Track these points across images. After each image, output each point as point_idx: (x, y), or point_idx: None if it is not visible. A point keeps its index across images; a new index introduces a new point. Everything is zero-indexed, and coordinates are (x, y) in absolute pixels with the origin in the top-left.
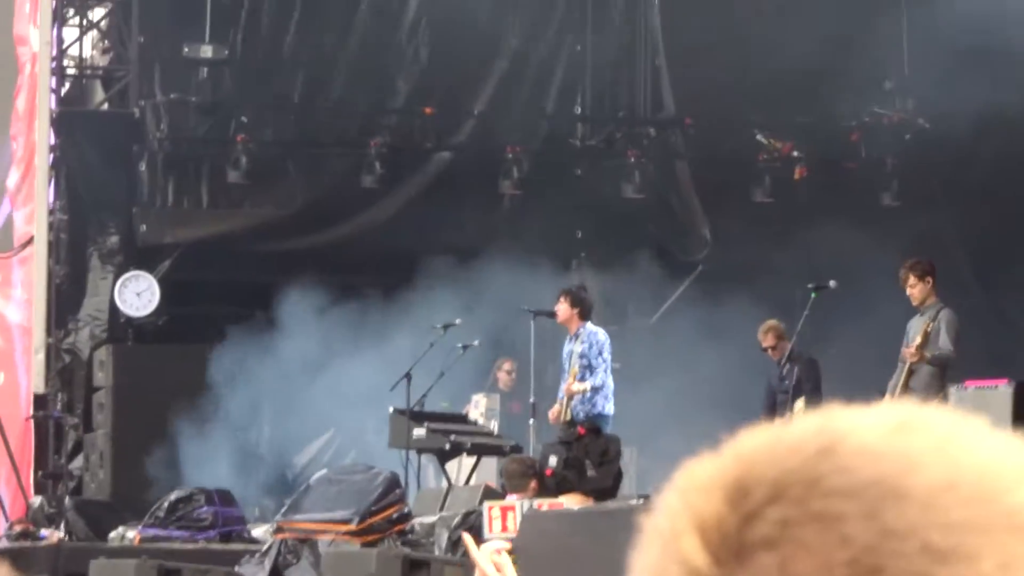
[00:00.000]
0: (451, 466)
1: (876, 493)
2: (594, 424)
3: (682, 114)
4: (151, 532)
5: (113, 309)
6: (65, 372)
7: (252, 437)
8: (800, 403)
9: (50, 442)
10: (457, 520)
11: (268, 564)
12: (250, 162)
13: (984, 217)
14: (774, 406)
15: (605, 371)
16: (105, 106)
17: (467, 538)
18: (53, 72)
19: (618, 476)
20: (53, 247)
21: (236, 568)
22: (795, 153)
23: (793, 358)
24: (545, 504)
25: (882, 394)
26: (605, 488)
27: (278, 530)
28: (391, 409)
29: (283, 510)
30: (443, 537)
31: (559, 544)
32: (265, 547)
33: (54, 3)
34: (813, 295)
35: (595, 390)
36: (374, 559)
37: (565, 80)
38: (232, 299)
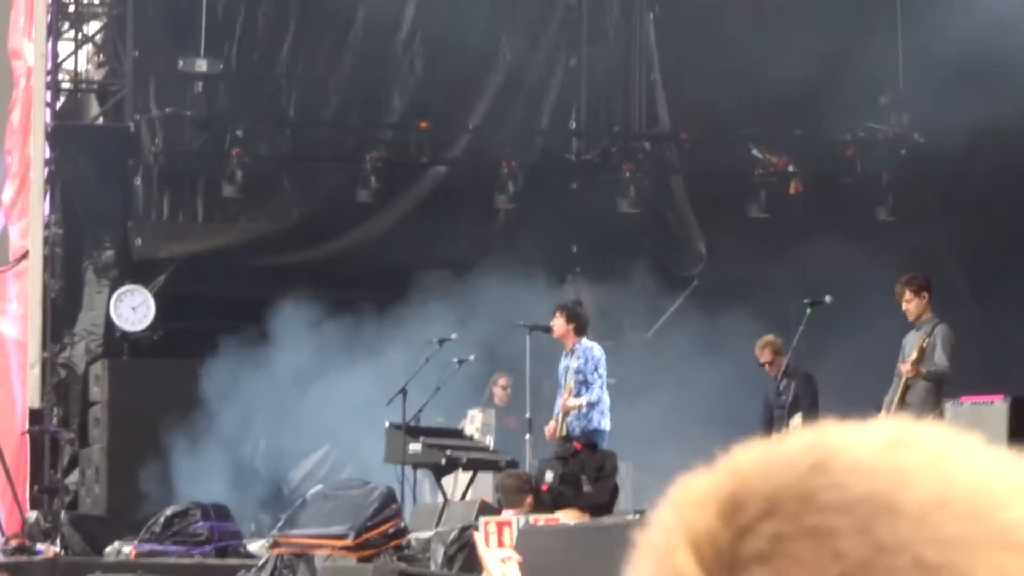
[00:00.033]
0: (447, 481)
1: (869, 508)
2: (590, 439)
3: (677, 129)
4: (147, 547)
5: (109, 323)
6: (61, 387)
7: (247, 451)
8: (797, 418)
9: (46, 457)
10: (453, 535)
11: None
12: (245, 176)
13: (979, 232)
14: (771, 421)
15: (601, 387)
16: (100, 120)
17: (477, 537)
18: (48, 86)
19: (614, 491)
20: (48, 261)
21: None
22: (790, 168)
23: (790, 373)
24: (541, 519)
25: (878, 409)
26: (601, 503)
27: (274, 545)
28: (387, 424)
29: (279, 525)
30: (439, 552)
31: (556, 560)
32: (261, 562)
33: (49, 17)
34: (809, 310)
35: (591, 405)
36: (370, 574)
37: (560, 95)
38: (227, 313)
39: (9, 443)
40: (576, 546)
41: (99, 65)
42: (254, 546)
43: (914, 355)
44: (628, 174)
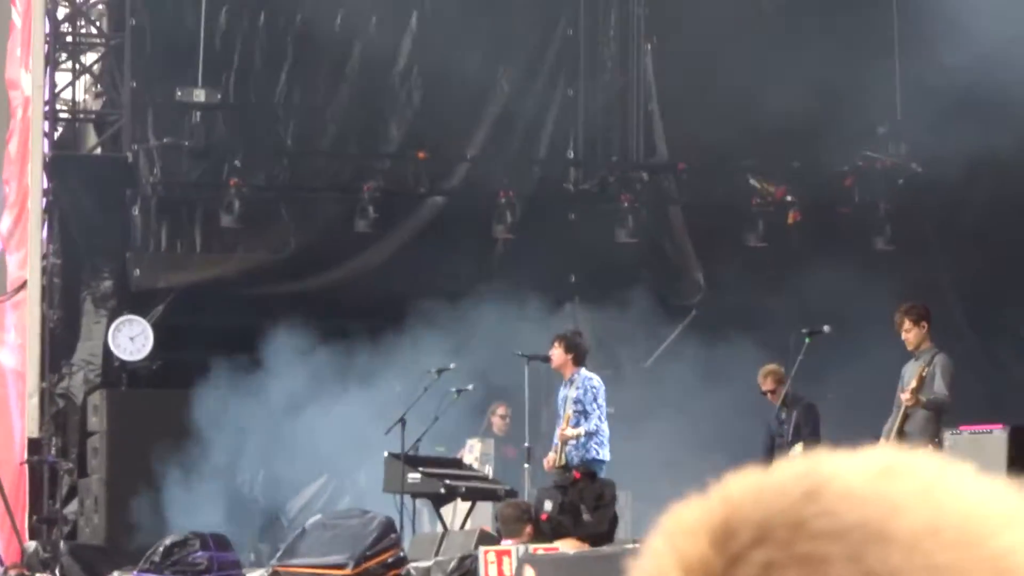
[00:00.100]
0: (446, 511)
1: (860, 536)
2: (589, 469)
3: (675, 159)
4: None
5: (107, 353)
6: (59, 417)
7: (246, 481)
8: (798, 448)
9: (45, 487)
10: (453, 564)
11: None
12: (243, 206)
13: (977, 261)
14: (773, 451)
15: (600, 417)
16: (98, 150)
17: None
18: (46, 116)
19: (613, 521)
20: (46, 291)
21: None
22: (788, 198)
23: (791, 402)
24: (541, 549)
25: (877, 439)
26: (601, 533)
27: (274, 575)
28: (386, 453)
29: (278, 555)
30: None
31: None
32: None
33: (47, 47)
34: (807, 340)
35: (589, 435)
36: None
37: (558, 125)
38: (225, 343)
39: (8, 473)
40: (576, 575)
41: (97, 95)
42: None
43: (914, 384)
44: (626, 204)
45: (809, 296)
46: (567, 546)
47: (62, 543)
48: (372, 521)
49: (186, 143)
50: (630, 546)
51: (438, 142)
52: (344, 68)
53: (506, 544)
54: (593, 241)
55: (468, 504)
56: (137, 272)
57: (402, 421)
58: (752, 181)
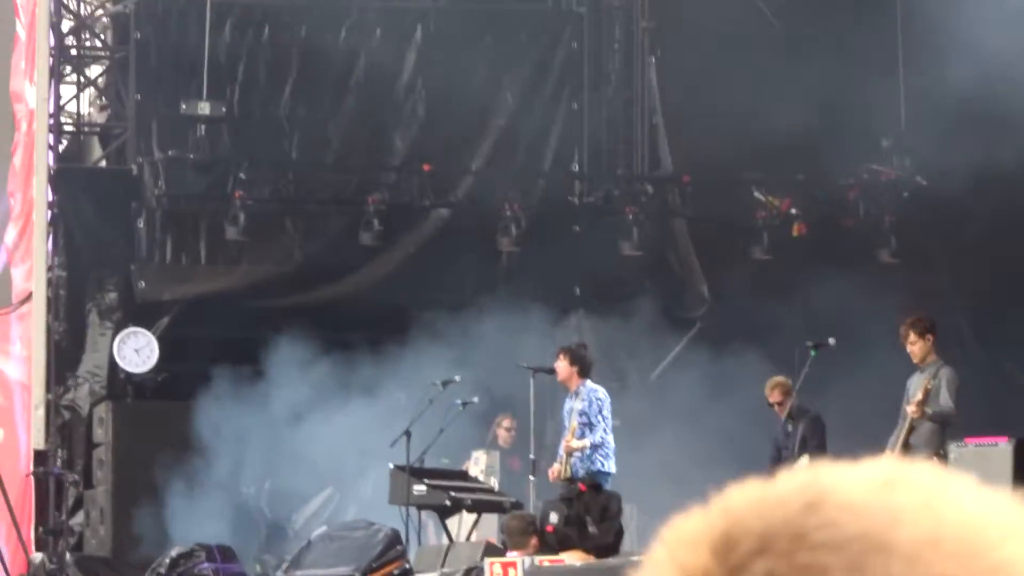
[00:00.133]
0: (452, 522)
1: (861, 547)
2: (594, 481)
3: (680, 172)
4: None
5: (112, 365)
6: (65, 428)
7: (251, 493)
8: (805, 460)
9: (51, 498)
10: None
11: None
12: (248, 219)
13: (982, 274)
14: (779, 462)
15: (605, 430)
16: (103, 163)
17: None
18: (51, 129)
19: (619, 533)
20: (52, 303)
21: None
22: (793, 210)
23: (798, 415)
24: (546, 561)
25: (882, 451)
26: (606, 545)
27: None
28: (391, 465)
29: (284, 566)
30: None
31: None
32: None
33: (51, 60)
34: (813, 353)
35: (595, 447)
36: None
37: (562, 138)
38: (230, 355)
39: (13, 484)
40: None
41: (102, 108)
42: None
43: (919, 396)
44: (631, 216)
45: (814, 309)
46: (572, 558)
47: (68, 555)
48: (378, 533)
49: (191, 156)
50: (635, 558)
51: (443, 155)
52: (348, 81)
53: (511, 556)
54: (598, 254)
55: (474, 516)
56: (142, 284)
57: (407, 433)
58: (757, 194)
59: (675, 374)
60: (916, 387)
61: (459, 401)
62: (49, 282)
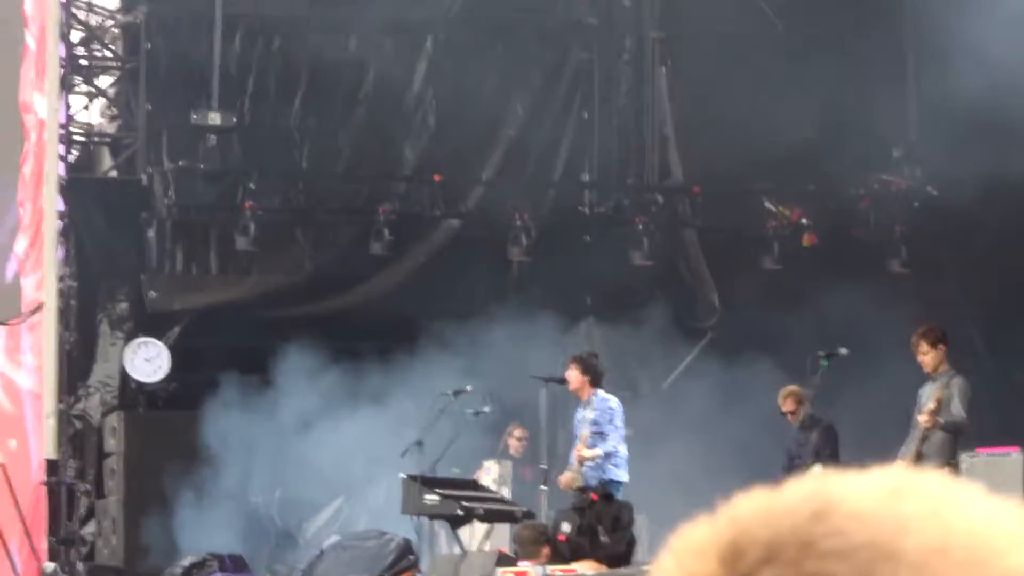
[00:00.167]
0: (464, 532)
1: (868, 556)
2: (606, 490)
3: (690, 182)
4: None
5: (123, 375)
6: (76, 438)
7: (263, 502)
8: (817, 469)
9: (63, 508)
10: None
11: None
12: (258, 229)
13: (993, 284)
14: (792, 472)
15: (618, 439)
16: (113, 173)
17: None
18: (61, 139)
19: (631, 543)
20: (63, 313)
21: None
22: (804, 220)
23: (810, 424)
24: (559, 570)
25: (894, 461)
26: (618, 554)
27: None
28: (403, 475)
29: None
30: None
31: None
32: None
33: (61, 71)
34: (824, 363)
35: (607, 456)
36: None
37: (573, 148)
38: (241, 365)
39: (25, 494)
40: None
41: (112, 118)
42: None
43: (931, 405)
44: (641, 226)
45: (825, 318)
46: (585, 567)
47: (80, 564)
48: (390, 543)
49: (201, 166)
50: (647, 568)
51: (453, 165)
52: (358, 92)
53: (524, 566)
54: (608, 264)
55: (486, 526)
56: (153, 294)
57: (418, 443)
58: (767, 204)
59: (687, 383)
60: (928, 397)
61: (470, 411)
62: (60, 292)
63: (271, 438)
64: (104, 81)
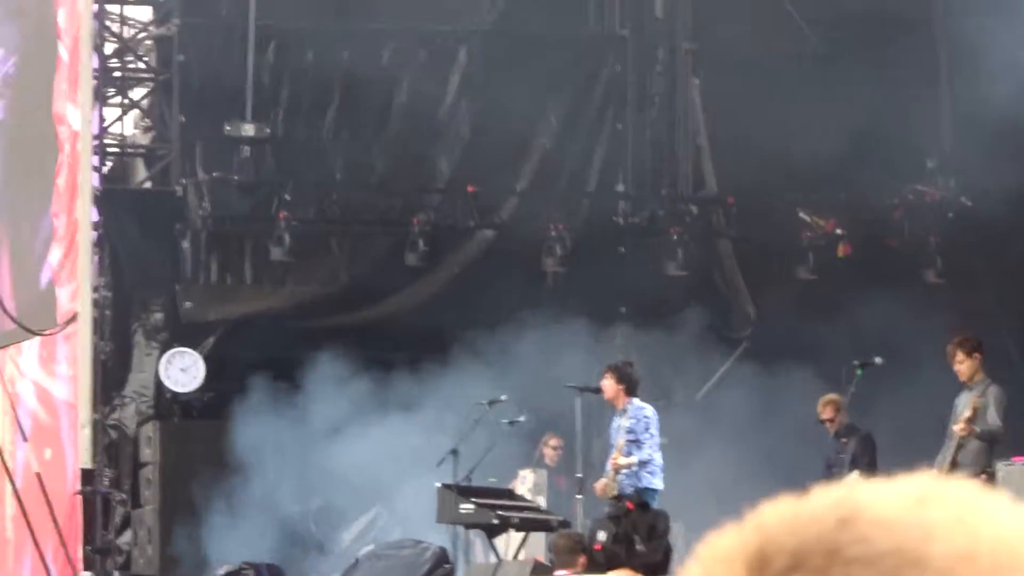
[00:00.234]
0: (499, 541)
1: (895, 563)
2: (641, 498)
3: (724, 192)
4: None
5: (158, 385)
6: (111, 448)
7: (298, 511)
8: (855, 478)
9: (98, 517)
10: None
11: None
12: (293, 240)
13: None
14: (830, 480)
15: (653, 447)
16: (147, 184)
17: None
18: (95, 150)
19: (668, 551)
20: (98, 324)
21: None
22: (838, 231)
23: (848, 433)
24: None
25: (930, 469)
26: (655, 563)
27: None
28: (438, 484)
29: None
30: None
31: None
32: None
33: (95, 83)
34: (859, 372)
35: (642, 464)
36: None
37: (606, 159)
38: (276, 375)
39: (61, 504)
40: None
41: (146, 130)
42: None
43: (967, 413)
44: (675, 237)
45: (860, 328)
46: None
47: (116, 574)
48: (425, 552)
49: (235, 177)
50: None
51: (487, 177)
52: (392, 104)
53: (559, 575)
54: (642, 274)
55: (521, 535)
56: (187, 304)
57: (454, 452)
58: (802, 215)
59: (722, 392)
60: (964, 405)
61: (506, 420)
62: (95, 303)
63: (305, 448)
64: (137, 93)
